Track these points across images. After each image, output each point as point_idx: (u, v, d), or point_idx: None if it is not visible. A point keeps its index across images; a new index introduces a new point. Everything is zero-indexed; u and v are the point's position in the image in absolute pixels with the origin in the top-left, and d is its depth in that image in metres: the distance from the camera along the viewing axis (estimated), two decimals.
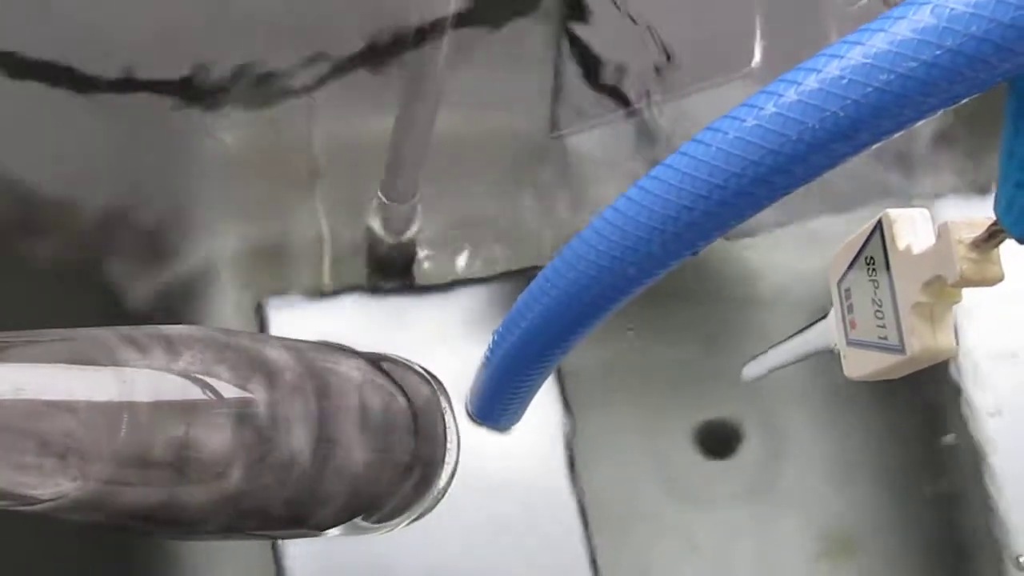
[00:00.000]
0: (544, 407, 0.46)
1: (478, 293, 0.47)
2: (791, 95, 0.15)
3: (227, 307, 0.48)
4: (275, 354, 0.26)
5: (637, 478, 0.46)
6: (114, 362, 0.22)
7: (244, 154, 0.48)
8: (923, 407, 0.46)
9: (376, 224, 0.47)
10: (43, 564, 0.40)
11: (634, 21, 0.37)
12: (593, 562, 0.44)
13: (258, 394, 0.24)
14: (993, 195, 0.19)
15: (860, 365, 0.24)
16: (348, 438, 0.27)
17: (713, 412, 0.47)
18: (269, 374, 0.25)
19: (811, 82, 0.15)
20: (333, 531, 0.30)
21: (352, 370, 0.28)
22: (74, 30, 0.44)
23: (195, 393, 0.23)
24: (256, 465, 0.24)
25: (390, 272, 0.48)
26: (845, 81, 0.15)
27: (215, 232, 0.49)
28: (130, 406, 0.22)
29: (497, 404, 0.25)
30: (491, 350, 0.23)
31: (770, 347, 0.30)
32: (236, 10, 0.47)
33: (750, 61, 0.33)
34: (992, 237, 0.19)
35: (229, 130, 0.48)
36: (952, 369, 0.44)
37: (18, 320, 0.23)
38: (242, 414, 0.24)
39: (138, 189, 0.47)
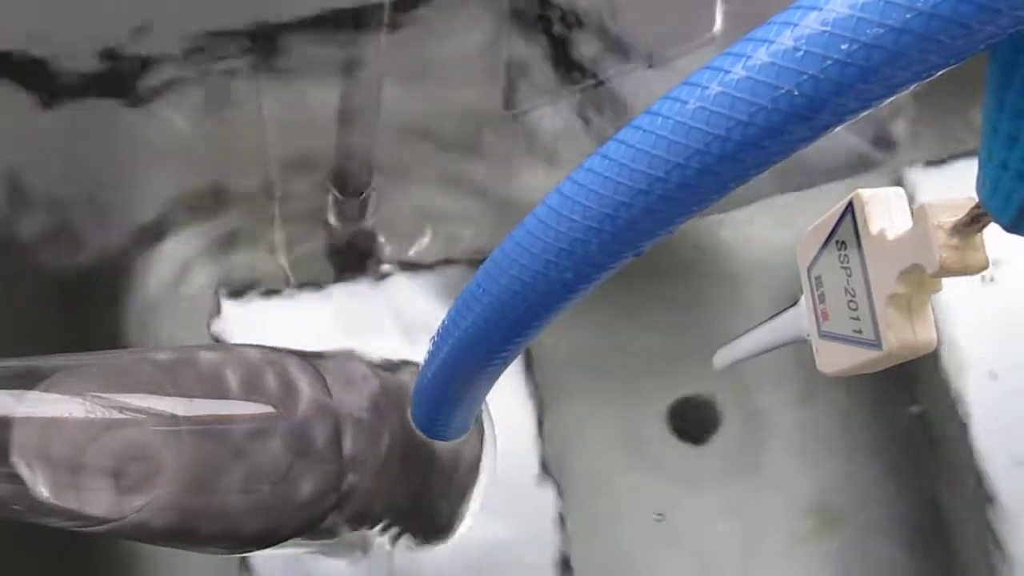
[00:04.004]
0: (513, 389, 0.45)
1: (441, 277, 0.45)
2: (738, 71, 0.13)
3: (180, 302, 0.47)
4: (307, 365, 0.27)
5: (613, 462, 0.45)
6: (173, 384, 0.23)
7: (193, 141, 0.46)
8: (902, 378, 0.45)
9: (331, 214, 0.46)
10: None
11: None
12: (566, 550, 0.43)
13: (301, 408, 0.25)
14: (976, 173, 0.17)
15: (834, 360, 0.22)
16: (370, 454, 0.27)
17: (690, 391, 0.46)
18: (310, 383, 0.26)
19: (761, 55, 0.13)
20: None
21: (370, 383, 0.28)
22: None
23: (248, 412, 0.24)
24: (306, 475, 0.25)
25: (350, 262, 0.46)
26: (800, 53, 0.12)
27: (165, 225, 0.47)
28: (191, 429, 0.22)
29: (438, 417, 0.23)
30: (427, 361, 0.21)
31: (740, 335, 0.28)
32: None
33: (711, 27, 0.31)
34: (975, 221, 0.17)
35: (177, 115, 0.46)
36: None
37: None
38: (290, 431, 0.24)
39: (83, 178, 0.46)
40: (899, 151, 0.42)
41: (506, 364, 0.19)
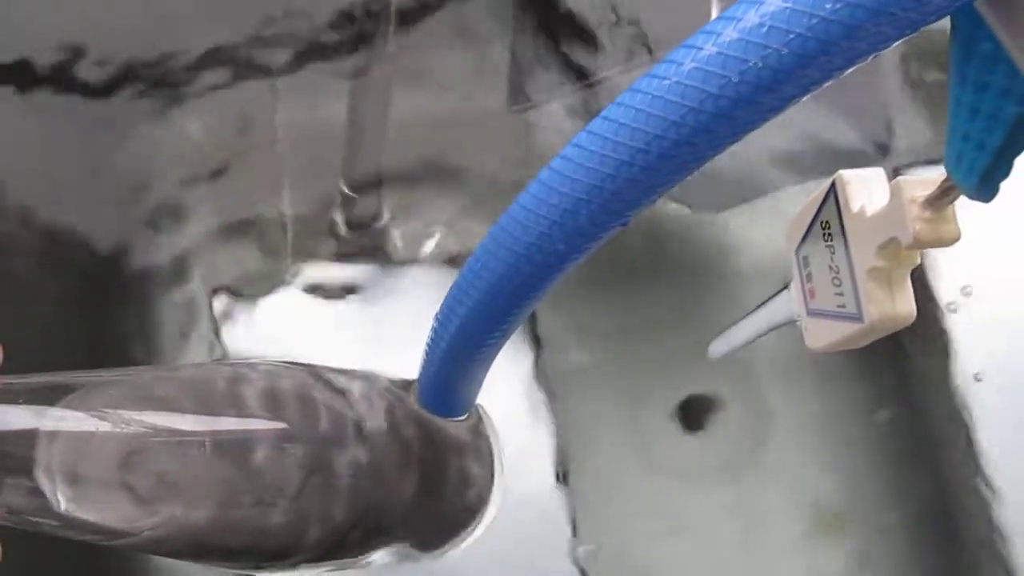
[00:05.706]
0: (523, 388, 0.45)
1: (450, 275, 0.46)
2: (710, 47, 0.14)
3: (189, 302, 0.47)
4: (318, 378, 0.27)
5: (620, 458, 0.46)
6: (192, 401, 0.23)
7: (207, 144, 0.47)
8: (907, 374, 0.46)
9: (341, 214, 0.47)
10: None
11: None
12: (577, 543, 0.43)
13: (320, 424, 0.25)
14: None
15: (820, 335, 0.23)
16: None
17: (695, 390, 0.47)
18: (329, 397, 0.26)
19: (730, 32, 0.14)
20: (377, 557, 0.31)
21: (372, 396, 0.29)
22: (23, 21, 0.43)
23: (267, 428, 0.24)
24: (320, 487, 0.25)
25: (359, 260, 0.47)
26: (765, 29, 0.13)
27: (178, 226, 0.48)
28: (210, 445, 0.23)
29: (445, 394, 0.24)
30: (432, 339, 0.22)
31: (733, 323, 0.29)
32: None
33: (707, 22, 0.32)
34: (945, 194, 0.18)
35: (191, 120, 0.47)
36: (937, 335, 0.44)
37: None
38: (309, 447, 0.25)
39: (98, 180, 0.46)
40: (897, 148, 0.43)
41: (507, 335, 0.21)
